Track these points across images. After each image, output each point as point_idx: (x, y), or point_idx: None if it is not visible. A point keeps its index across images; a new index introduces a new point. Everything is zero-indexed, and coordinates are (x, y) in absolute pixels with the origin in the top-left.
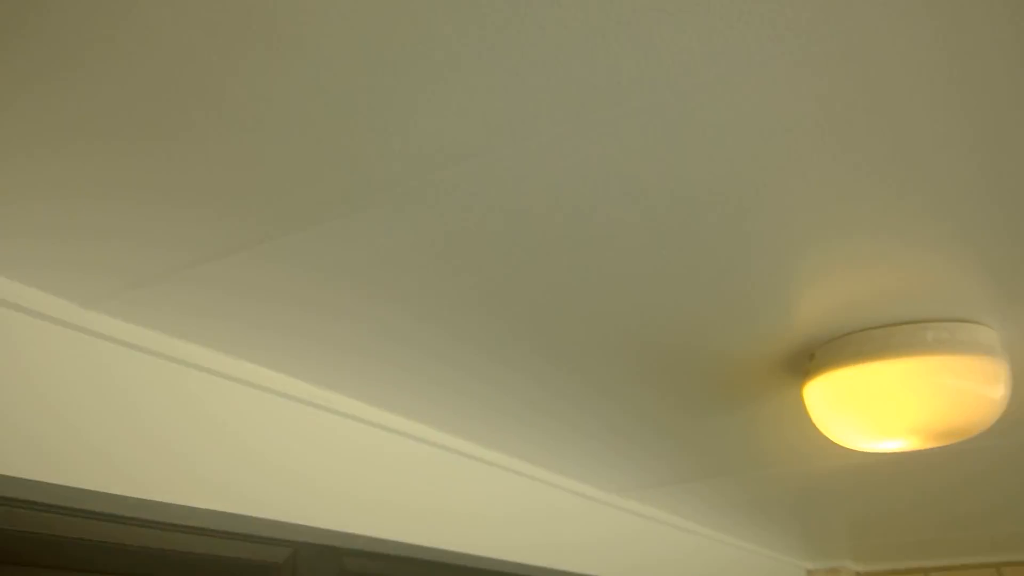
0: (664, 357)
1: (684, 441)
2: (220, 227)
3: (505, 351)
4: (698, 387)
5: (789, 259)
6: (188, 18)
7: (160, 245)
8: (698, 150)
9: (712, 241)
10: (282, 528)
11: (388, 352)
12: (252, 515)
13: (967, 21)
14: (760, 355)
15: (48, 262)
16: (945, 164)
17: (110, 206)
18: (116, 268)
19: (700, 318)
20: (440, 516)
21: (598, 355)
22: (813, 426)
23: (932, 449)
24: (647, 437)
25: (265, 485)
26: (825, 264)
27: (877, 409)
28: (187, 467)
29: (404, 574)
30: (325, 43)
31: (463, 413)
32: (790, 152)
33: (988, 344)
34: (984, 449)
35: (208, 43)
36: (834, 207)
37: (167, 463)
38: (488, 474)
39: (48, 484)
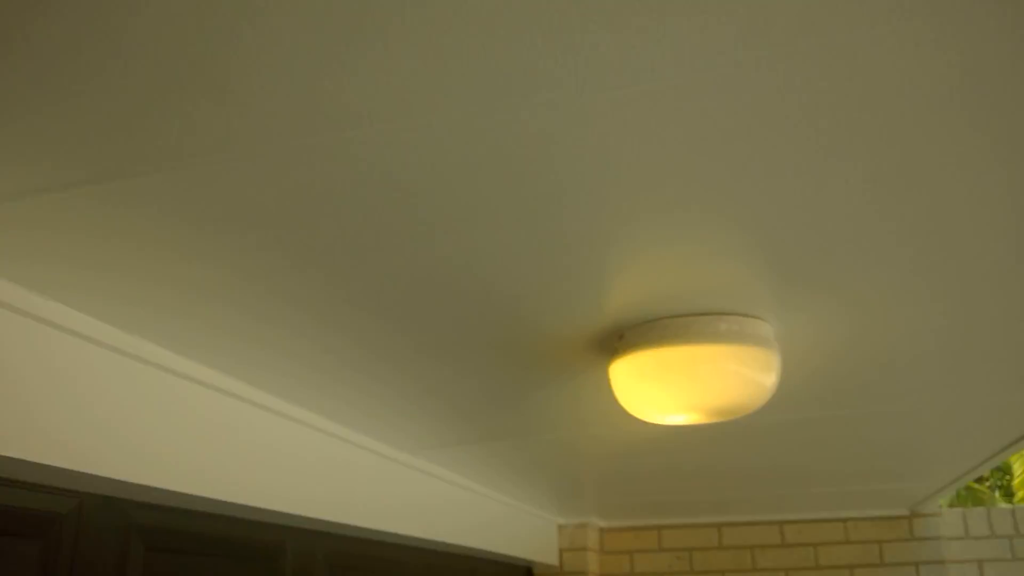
0: (488, 331)
1: (480, 408)
2: (48, 162)
3: (308, 325)
4: (510, 360)
5: (614, 250)
6: None
7: None
8: (581, 147)
9: (559, 230)
10: (68, 477)
11: (190, 300)
12: (35, 462)
13: (803, 71)
14: (575, 332)
15: None
16: (750, 191)
17: None
18: None
19: (524, 297)
20: (233, 469)
21: (398, 326)
22: (602, 398)
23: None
24: (442, 404)
25: (51, 431)
26: (644, 258)
27: (673, 387)
28: None
29: (194, 528)
30: None
31: (260, 365)
32: (646, 166)
33: (766, 337)
34: (724, 426)
35: None
36: (660, 215)
37: None
38: (283, 428)
39: None
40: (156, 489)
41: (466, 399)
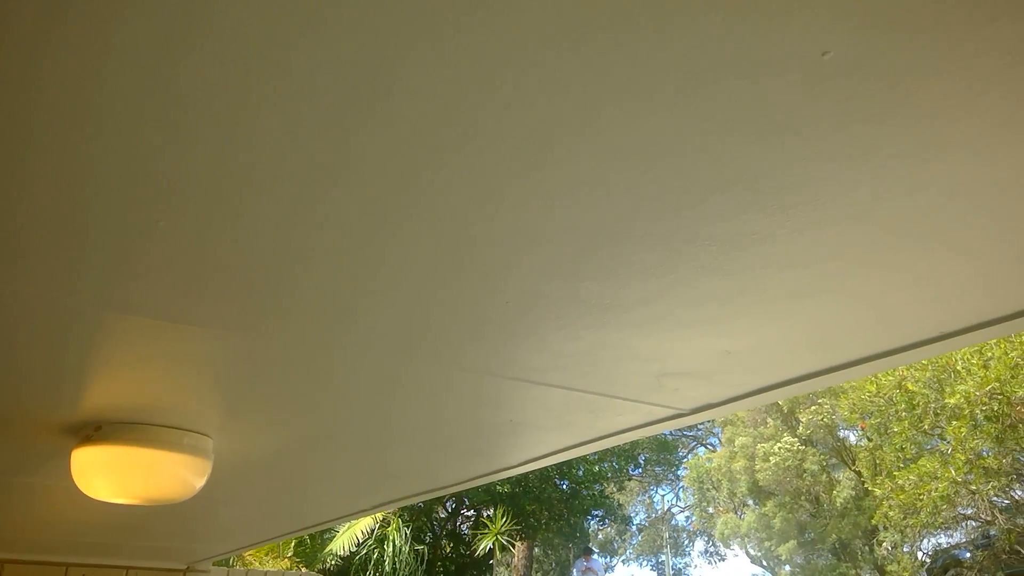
0: None
1: None
2: None
3: None
4: None
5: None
6: None
7: None
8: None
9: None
10: None
11: None
12: None
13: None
14: (49, 414)
15: None
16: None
17: None
18: None
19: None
20: None
21: None
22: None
23: None
24: None
25: None
26: (132, 379)
27: (132, 478)
28: None
29: None
30: None
31: None
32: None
33: (207, 450)
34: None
35: None
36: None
37: None
38: None
39: None
40: None
41: None
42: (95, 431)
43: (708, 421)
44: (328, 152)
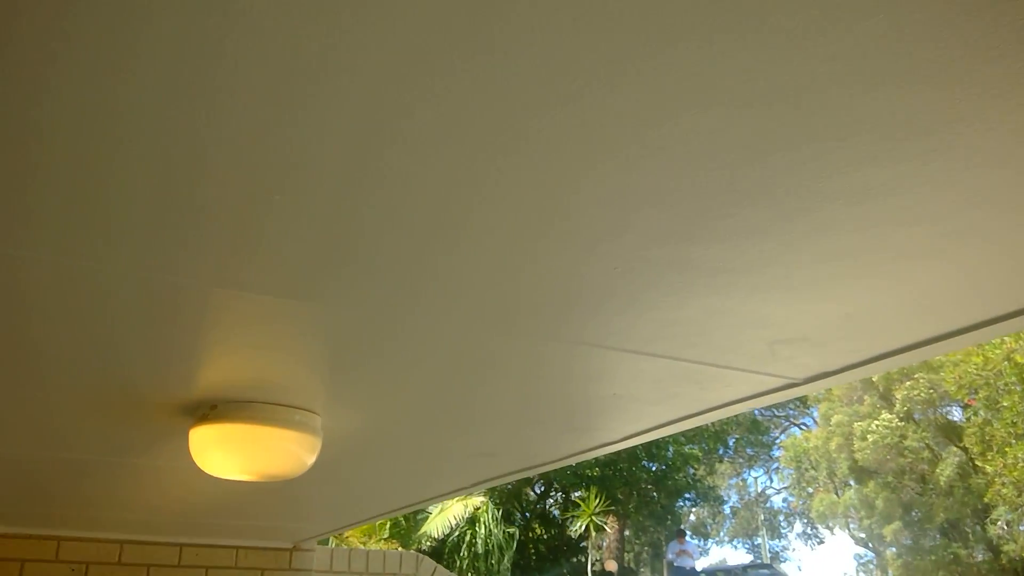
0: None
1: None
2: None
3: None
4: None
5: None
6: None
7: None
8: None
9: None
10: None
11: None
12: None
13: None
14: (167, 395)
15: None
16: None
17: None
18: None
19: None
20: None
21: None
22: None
23: None
24: None
25: None
26: (245, 360)
27: (247, 455)
28: None
29: None
30: None
31: None
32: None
33: (316, 428)
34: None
35: None
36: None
37: None
38: None
39: None
40: None
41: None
42: (211, 410)
43: (799, 400)
44: (432, 112)
